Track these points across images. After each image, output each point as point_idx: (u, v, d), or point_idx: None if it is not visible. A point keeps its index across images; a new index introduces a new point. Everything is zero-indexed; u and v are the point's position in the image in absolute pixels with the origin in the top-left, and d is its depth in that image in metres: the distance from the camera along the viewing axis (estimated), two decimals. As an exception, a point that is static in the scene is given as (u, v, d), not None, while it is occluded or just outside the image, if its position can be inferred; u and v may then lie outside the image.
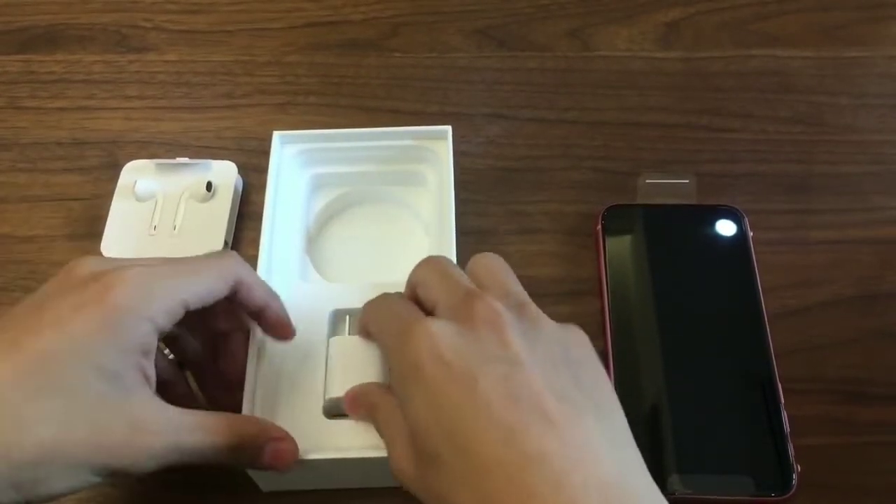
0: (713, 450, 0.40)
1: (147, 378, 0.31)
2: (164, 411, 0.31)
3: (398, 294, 0.36)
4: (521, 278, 0.34)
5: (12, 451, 0.27)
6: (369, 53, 0.58)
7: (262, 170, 0.46)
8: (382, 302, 0.35)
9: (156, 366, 0.32)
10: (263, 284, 0.37)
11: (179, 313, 0.32)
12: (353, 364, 0.38)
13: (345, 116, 0.55)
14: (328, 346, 0.40)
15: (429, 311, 0.32)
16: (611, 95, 0.56)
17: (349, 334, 0.41)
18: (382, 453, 0.33)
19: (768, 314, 0.44)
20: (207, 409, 0.35)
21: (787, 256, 0.48)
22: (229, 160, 0.51)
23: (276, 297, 0.38)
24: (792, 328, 0.45)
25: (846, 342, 0.45)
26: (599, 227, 0.47)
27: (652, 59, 0.57)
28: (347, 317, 0.42)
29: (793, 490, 0.39)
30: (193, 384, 0.40)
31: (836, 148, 0.53)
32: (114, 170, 0.51)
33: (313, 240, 0.47)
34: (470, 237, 0.47)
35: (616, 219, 0.48)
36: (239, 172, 0.50)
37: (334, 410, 0.38)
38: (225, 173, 0.50)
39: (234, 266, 0.35)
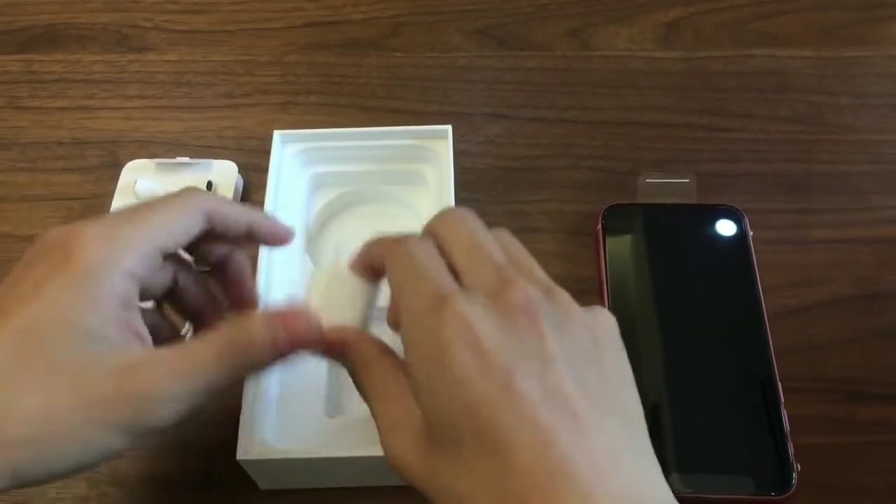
0: (713, 449, 0.40)
1: (133, 330, 0.30)
2: (154, 355, 0.30)
3: (426, 244, 0.30)
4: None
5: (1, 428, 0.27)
6: (369, 53, 0.58)
7: (263, 169, 0.46)
8: (409, 254, 0.30)
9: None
10: (237, 206, 0.35)
11: (154, 257, 0.31)
12: (335, 298, 0.33)
13: (345, 116, 0.55)
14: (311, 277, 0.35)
15: (454, 273, 0.29)
16: (611, 95, 0.56)
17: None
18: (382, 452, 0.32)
19: (768, 314, 0.44)
20: None
21: (786, 256, 0.48)
22: (230, 160, 0.51)
23: (256, 212, 0.36)
24: (792, 328, 0.45)
25: (846, 342, 0.45)
26: (599, 226, 0.48)
27: (652, 58, 0.57)
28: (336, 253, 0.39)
29: (793, 489, 0.39)
30: None
31: (836, 147, 0.53)
32: (114, 169, 0.51)
33: (313, 239, 0.47)
34: (470, 237, 0.47)
35: (616, 218, 0.48)
36: (239, 172, 0.50)
37: None
38: (225, 173, 0.50)
39: (200, 199, 0.33)
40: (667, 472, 0.39)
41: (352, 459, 0.36)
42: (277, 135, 0.47)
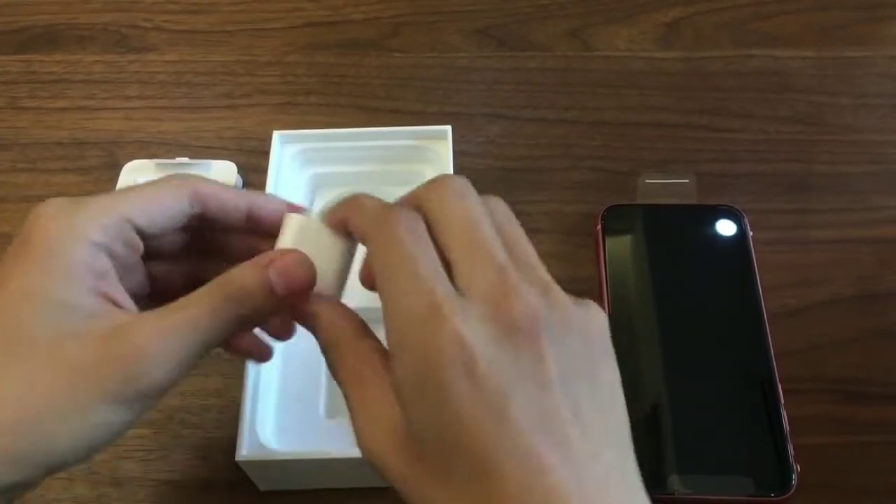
0: (713, 450, 0.40)
1: (111, 298, 0.29)
2: (140, 317, 0.29)
3: (416, 229, 0.28)
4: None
5: None
6: (369, 53, 0.58)
7: (262, 170, 0.46)
8: (398, 240, 0.27)
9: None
10: (232, 189, 0.33)
11: (124, 228, 0.30)
12: (309, 250, 0.30)
13: (345, 116, 0.55)
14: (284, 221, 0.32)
15: (445, 261, 0.28)
16: (611, 95, 0.56)
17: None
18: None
19: (768, 314, 0.44)
20: None
21: (786, 256, 0.48)
22: (229, 160, 0.50)
23: (255, 194, 0.34)
24: (792, 328, 0.45)
25: (846, 342, 0.45)
26: (599, 227, 0.47)
27: (652, 58, 0.57)
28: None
29: (792, 490, 0.39)
30: None
31: (836, 148, 0.53)
32: (114, 170, 0.51)
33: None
34: (470, 237, 0.47)
35: (616, 219, 0.48)
36: (239, 172, 0.50)
37: None
38: (225, 173, 0.50)
39: (187, 179, 0.32)
40: (667, 473, 0.39)
41: (352, 460, 0.36)
42: (277, 135, 0.47)
